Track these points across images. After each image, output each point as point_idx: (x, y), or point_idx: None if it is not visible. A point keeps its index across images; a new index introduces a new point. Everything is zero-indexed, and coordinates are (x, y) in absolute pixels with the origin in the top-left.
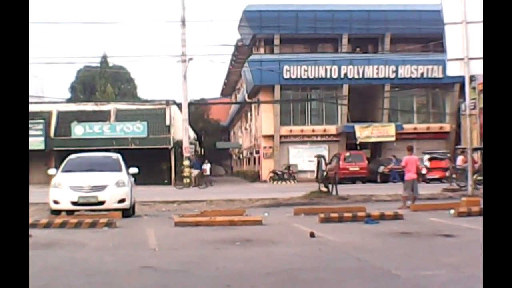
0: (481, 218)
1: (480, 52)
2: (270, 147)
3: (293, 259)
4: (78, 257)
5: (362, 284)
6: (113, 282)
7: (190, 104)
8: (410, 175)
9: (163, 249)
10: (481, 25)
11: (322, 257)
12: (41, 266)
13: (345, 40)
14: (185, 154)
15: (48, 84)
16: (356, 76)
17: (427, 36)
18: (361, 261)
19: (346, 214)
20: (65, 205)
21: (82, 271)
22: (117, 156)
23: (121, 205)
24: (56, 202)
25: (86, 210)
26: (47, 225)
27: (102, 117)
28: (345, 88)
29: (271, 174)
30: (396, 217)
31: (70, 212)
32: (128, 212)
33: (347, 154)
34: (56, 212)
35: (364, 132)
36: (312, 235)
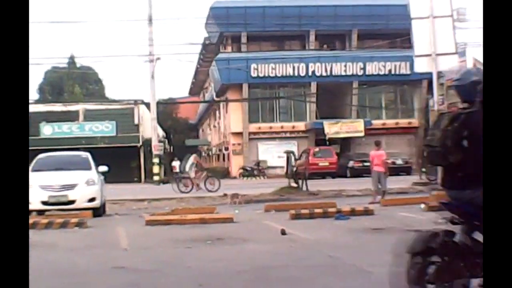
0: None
1: (447, 48)
2: (239, 144)
3: (265, 257)
4: (50, 258)
5: (334, 281)
6: (85, 283)
7: (158, 103)
8: (375, 169)
9: (135, 249)
10: (449, 19)
11: (293, 255)
12: None
13: (312, 37)
14: (154, 152)
15: None
16: (324, 74)
17: (394, 31)
18: (333, 258)
19: (316, 210)
20: (35, 205)
21: (54, 272)
22: (86, 154)
23: (92, 204)
24: None
25: (56, 210)
26: None
27: (71, 117)
28: (313, 86)
29: (241, 170)
30: (367, 212)
31: (40, 212)
32: (98, 211)
33: (316, 149)
34: None
35: (333, 128)
36: (283, 232)
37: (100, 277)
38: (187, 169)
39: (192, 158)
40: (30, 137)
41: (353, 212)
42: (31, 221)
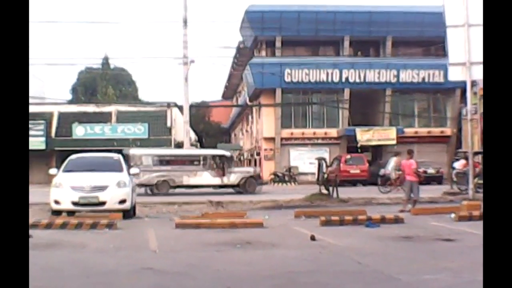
0: (482, 223)
1: (481, 57)
2: (271, 149)
3: (294, 262)
4: (78, 258)
5: None
6: (113, 284)
7: (191, 106)
8: (408, 178)
9: (164, 251)
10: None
11: (322, 261)
12: (41, 267)
13: (346, 43)
14: None
15: (49, 85)
16: (357, 80)
17: (429, 39)
18: (362, 265)
19: (347, 217)
20: (66, 205)
21: (82, 272)
22: (118, 156)
23: (122, 206)
24: (57, 202)
25: (87, 211)
26: (48, 226)
27: (103, 118)
28: (347, 92)
29: (272, 176)
30: (397, 220)
31: (71, 213)
32: (129, 213)
33: (348, 156)
34: (57, 213)
35: (365, 136)
36: (312, 238)
37: (128, 278)
38: (388, 171)
39: (393, 161)
40: (63, 138)
41: (383, 220)
42: (61, 221)
